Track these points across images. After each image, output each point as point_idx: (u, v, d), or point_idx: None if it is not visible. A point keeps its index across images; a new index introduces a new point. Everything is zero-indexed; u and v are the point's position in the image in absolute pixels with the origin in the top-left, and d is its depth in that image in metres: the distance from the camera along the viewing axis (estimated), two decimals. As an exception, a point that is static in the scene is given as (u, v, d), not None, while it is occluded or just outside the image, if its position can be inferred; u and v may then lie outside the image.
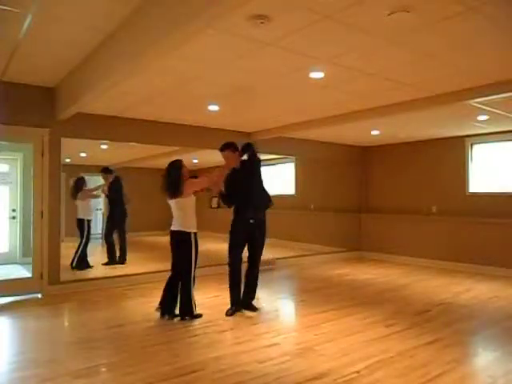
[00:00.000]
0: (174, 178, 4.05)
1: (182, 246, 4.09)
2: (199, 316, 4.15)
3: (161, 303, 4.18)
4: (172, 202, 4.11)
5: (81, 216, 6.57)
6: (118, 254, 7.06)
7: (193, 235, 4.09)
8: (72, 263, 6.44)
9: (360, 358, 3.18)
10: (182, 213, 4.09)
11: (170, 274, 4.23)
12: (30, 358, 3.22)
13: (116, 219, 7.06)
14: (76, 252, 6.51)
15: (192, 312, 4.12)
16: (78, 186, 6.67)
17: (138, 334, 3.77)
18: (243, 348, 3.39)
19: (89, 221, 6.61)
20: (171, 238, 4.16)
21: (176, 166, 4.12)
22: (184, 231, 4.06)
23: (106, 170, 7.08)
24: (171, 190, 4.06)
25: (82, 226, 6.56)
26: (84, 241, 6.53)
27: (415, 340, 3.58)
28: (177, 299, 4.15)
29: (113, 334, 3.76)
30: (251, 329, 3.89)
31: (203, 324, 4.01)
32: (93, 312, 4.49)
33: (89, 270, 6.48)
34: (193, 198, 4.15)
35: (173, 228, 4.13)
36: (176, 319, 4.09)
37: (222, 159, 4.42)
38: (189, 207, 4.11)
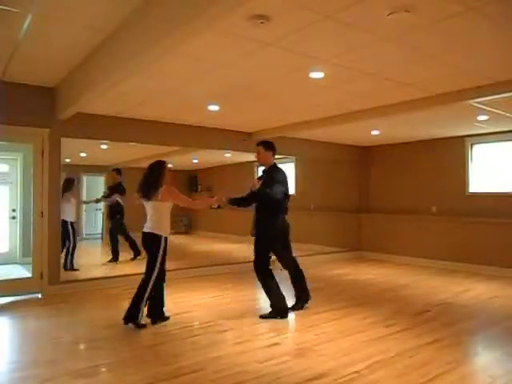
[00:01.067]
0: (152, 180, 3.93)
1: (151, 248, 3.95)
2: (143, 326, 3.85)
3: (148, 311, 4.01)
4: (148, 204, 3.97)
5: (64, 217, 6.46)
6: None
7: (163, 239, 3.94)
8: (65, 266, 6.35)
9: (360, 358, 3.18)
10: (158, 216, 3.95)
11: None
12: (30, 358, 3.23)
13: (116, 219, 7.16)
14: (66, 254, 6.39)
15: (137, 319, 3.85)
16: (67, 186, 6.48)
17: (138, 334, 3.76)
18: (243, 348, 3.39)
19: (71, 223, 6.49)
20: (143, 240, 4.01)
21: (158, 167, 3.99)
22: (156, 234, 3.92)
23: (118, 171, 7.41)
24: (146, 192, 3.94)
25: (65, 228, 6.44)
26: (71, 242, 6.44)
27: (415, 340, 3.58)
28: (163, 301, 4.07)
29: (113, 334, 3.75)
30: (251, 329, 3.89)
31: (203, 324, 4.01)
32: (93, 312, 4.50)
33: (73, 272, 6.31)
34: (171, 203, 4.02)
35: (145, 230, 3.97)
36: (166, 321, 4.02)
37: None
38: (166, 211, 3.99)
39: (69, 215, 6.41)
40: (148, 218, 4.01)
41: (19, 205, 6.97)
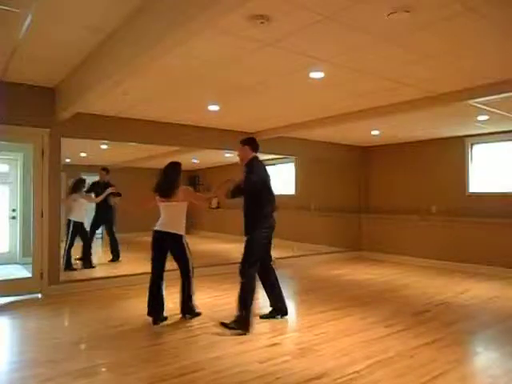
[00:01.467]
0: (172, 180, 4.08)
1: (178, 248, 4.10)
2: (199, 314, 4.22)
3: (152, 311, 4.03)
4: (168, 205, 4.06)
5: (68, 217, 6.53)
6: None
7: (184, 237, 4.13)
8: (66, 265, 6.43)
9: (360, 358, 3.18)
10: (178, 216, 4.10)
11: (152, 277, 4.09)
12: (30, 358, 3.22)
13: (111, 217, 7.19)
14: (82, 253, 6.60)
15: (194, 310, 4.22)
16: (77, 187, 6.62)
17: (138, 334, 3.77)
18: (243, 348, 3.39)
19: (75, 222, 6.53)
20: (160, 240, 4.05)
21: (176, 168, 4.16)
22: (178, 234, 4.07)
23: (106, 170, 7.35)
24: (165, 192, 4.05)
25: (67, 226, 6.51)
26: (68, 241, 6.50)
27: (415, 340, 3.58)
28: (163, 302, 4.08)
29: (113, 334, 3.76)
30: (251, 329, 3.88)
31: (203, 324, 4.01)
32: (93, 312, 4.49)
33: (72, 272, 6.32)
34: (186, 203, 4.16)
35: (164, 229, 4.04)
36: (165, 322, 4.04)
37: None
38: (184, 211, 4.14)
39: (73, 215, 6.51)
40: (165, 217, 4.10)
41: (19, 205, 6.97)
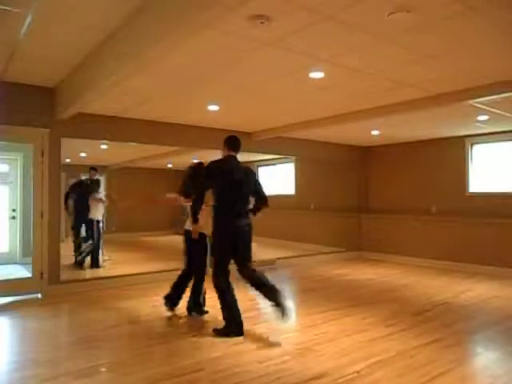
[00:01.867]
0: (195, 181, 4.22)
1: (198, 246, 4.25)
2: (206, 312, 4.30)
3: (171, 297, 4.29)
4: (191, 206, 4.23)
5: (93, 217, 6.71)
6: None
7: (207, 237, 4.25)
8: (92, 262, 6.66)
9: (360, 357, 3.19)
10: (202, 216, 4.18)
11: (182, 270, 4.36)
12: (30, 358, 3.22)
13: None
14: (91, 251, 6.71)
15: (202, 309, 4.32)
16: (95, 187, 6.77)
17: (138, 334, 3.77)
18: (243, 348, 3.39)
19: (97, 221, 6.72)
20: (189, 238, 4.25)
21: (198, 169, 4.36)
22: (202, 232, 4.20)
23: (95, 169, 7.30)
24: (189, 192, 4.24)
25: (92, 226, 6.69)
26: (95, 241, 6.68)
27: (415, 340, 3.58)
28: (182, 295, 4.29)
29: (113, 334, 3.76)
30: (251, 329, 3.88)
31: (203, 324, 4.01)
32: (93, 312, 4.49)
33: (79, 270, 6.47)
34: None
35: (190, 228, 4.23)
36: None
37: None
38: (207, 211, 4.25)
39: (95, 213, 6.70)
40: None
41: (19, 205, 6.97)
